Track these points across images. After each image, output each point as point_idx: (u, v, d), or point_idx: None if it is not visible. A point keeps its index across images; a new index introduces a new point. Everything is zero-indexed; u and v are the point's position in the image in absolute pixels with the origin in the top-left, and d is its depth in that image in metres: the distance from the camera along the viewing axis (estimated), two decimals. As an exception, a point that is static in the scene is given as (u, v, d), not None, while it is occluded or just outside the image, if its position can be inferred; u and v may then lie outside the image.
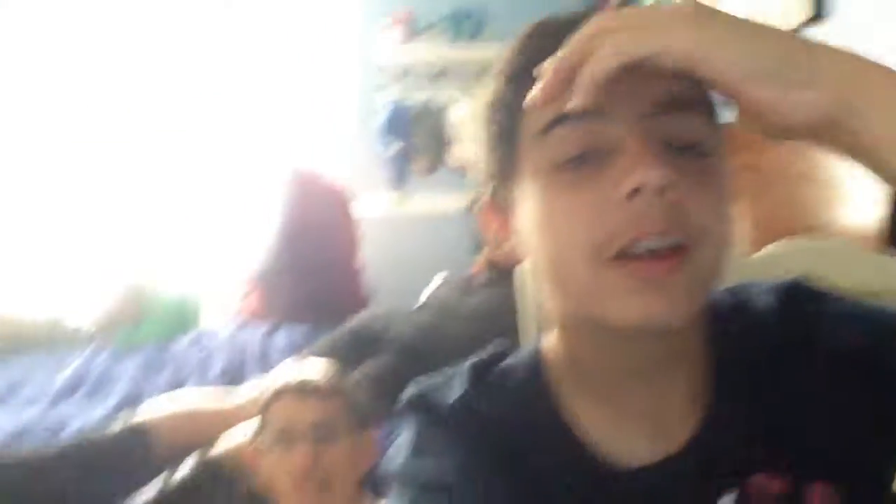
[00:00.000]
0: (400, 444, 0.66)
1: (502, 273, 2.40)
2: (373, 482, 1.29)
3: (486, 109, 0.62)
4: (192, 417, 1.63)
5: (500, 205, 0.63)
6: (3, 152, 3.01)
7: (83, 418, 1.68)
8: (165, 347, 2.24)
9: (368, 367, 1.79)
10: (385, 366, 1.80)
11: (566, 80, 0.50)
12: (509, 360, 0.69)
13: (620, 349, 0.59)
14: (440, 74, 3.38)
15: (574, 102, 0.49)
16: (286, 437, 1.23)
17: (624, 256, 0.53)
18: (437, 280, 2.66)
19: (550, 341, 0.66)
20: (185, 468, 1.42)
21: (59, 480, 1.41)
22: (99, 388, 1.88)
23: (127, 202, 2.96)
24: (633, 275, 0.53)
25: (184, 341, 2.27)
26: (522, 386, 0.66)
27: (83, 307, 2.62)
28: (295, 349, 2.23)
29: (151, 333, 2.33)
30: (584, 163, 0.54)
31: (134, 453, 1.50)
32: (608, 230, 0.53)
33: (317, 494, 1.19)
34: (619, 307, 0.54)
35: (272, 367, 2.08)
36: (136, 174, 3.04)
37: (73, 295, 2.61)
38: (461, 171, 3.35)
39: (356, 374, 1.73)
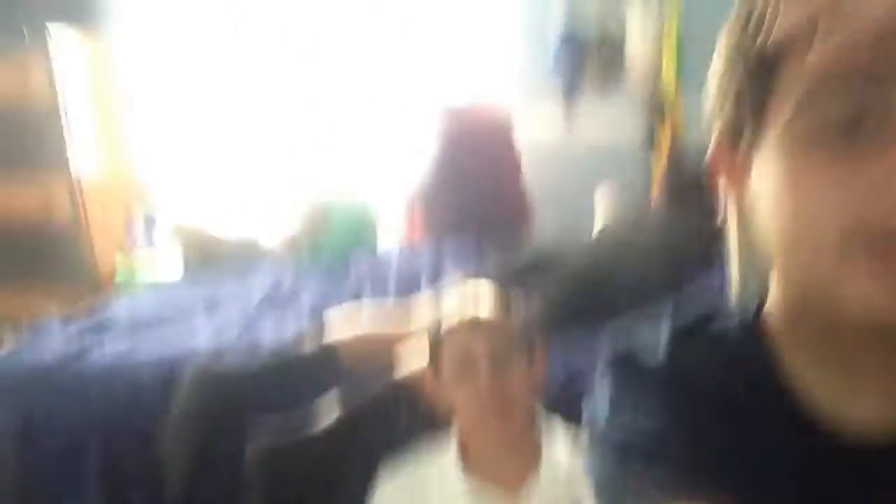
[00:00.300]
0: (599, 403, 0.65)
1: (686, 198, 2.31)
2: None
3: (734, 48, 0.54)
4: (374, 339, 1.70)
5: (733, 153, 0.56)
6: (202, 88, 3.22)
7: (276, 335, 1.80)
8: (345, 267, 2.35)
9: (539, 295, 1.79)
10: (556, 294, 1.79)
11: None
12: (720, 319, 0.65)
13: (856, 331, 0.54)
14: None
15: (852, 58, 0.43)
16: (464, 369, 1.25)
17: (882, 245, 0.47)
18: (604, 190, 2.60)
19: (771, 302, 0.61)
20: (372, 387, 1.49)
21: (260, 396, 1.53)
22: (288, 305, 2.01)
23: (310, 127, 3.11)
24: (891, 268, 0.47)
25: (361, 262, 2.38)
26: (738, 346, 0.62)
27: (274, 227, 2.82)
28: (464, 265, 2.27)
29: (335, 248, 2.47)
30: (851, 132, 0.47)
31: (325, 372, 1.59)
32: (875, 214, 0.46)
33: (499, 421, 1.22)
34: (866, 300, 0.48)
35: (442, 279, 2.17)
36: (317, 100, 3.16)
37: (265, 216, 2.81)
38: (634, 98, 3.20)
39: (527, 302, 1.74)
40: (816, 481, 0.55)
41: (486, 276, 1.91)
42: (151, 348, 1.74)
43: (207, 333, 1.81)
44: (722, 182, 0.59)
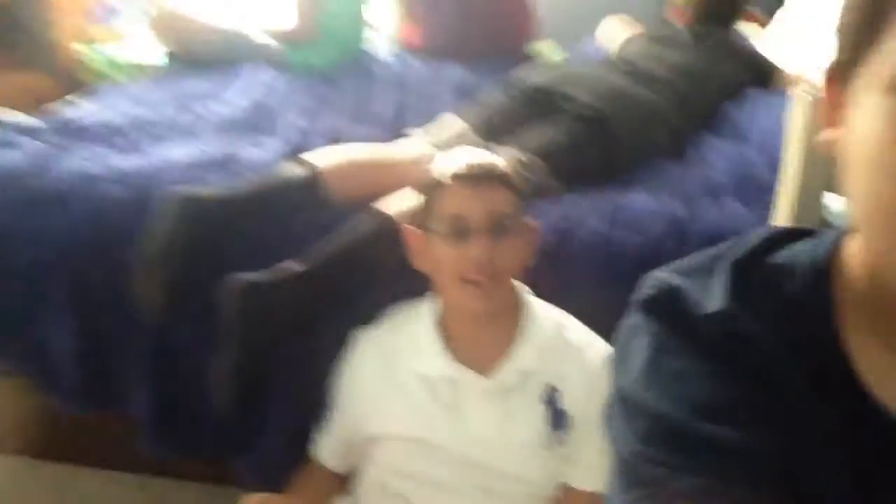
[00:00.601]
0: (631, 351, 0.58)
1: (718, 29, 2.12)
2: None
3: None
4: (364, 167, 1.60)
5: (839, 91, 0.50)
6: None
7: (259, 153, 1.68)
8: (337, 75, 2.18)
9: (543, 136, 1.66)
10: (562, 135, 1.67)
11: None
12: (784, 256, 0.57)
13: None
14: None
15: None
16: (459, 227, 1.17)
17: None
18: (608, 23, 2.38)
19: (843, 253, 0.54)
20: (361, 224, 1.41)
21: (240, 224, 1.45)
22: (273, 118, 1.87)
23: None
24: None
25: (353, 68, 2.20)
26: (798, 304, 0.54)
27: (267, 22, 2.58)
28: (461, 90, 2.12)
29: (325, 55, 2.26)
30: None
31: (309, 200, 1.51)
32: None
33: (485, 288, 1.16)
34: None
35: (435, 103, 2.03)
36: None
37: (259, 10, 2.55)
38: None
39: (530, 144, 1.63)
40: (868, 461, 0.51)
41: (485, 107, 1.78)
42: (123, 158, 1.62)
43: (184, 146, 1.68)
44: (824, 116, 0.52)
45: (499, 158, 1.25)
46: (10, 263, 1.51)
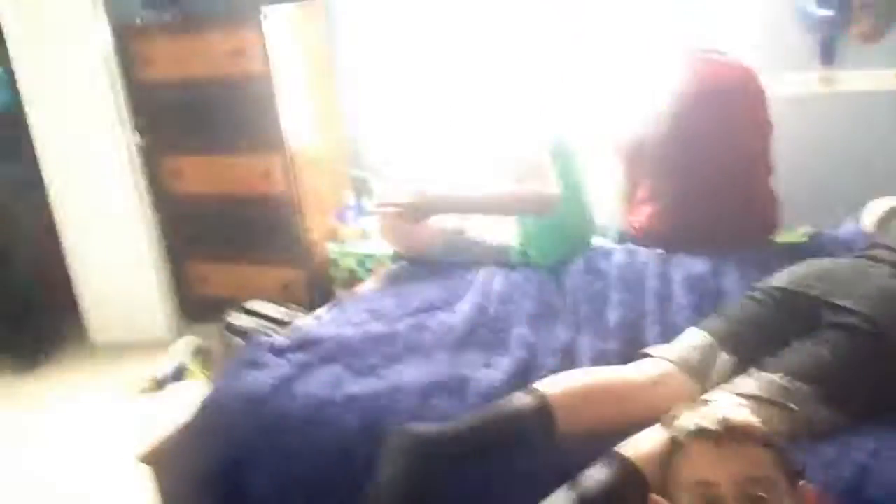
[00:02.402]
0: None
1: None
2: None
3: None
4: (598, 395, 1.49)
5: None
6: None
7: (484, 374, 1.64)
8: (564, 274, 2.12)
9: (807, 355, 1.45)
10: (831, 353, 1.44)
11: None
12: None
13: None
14: None
15: None
16: (706, 497, 1.01)
17: None
18: (876, 206, 2.10)
19: None
20: (601, 470, 1.28)
21: (465, 460, 1.39)
22: (503, 329, 1.83)
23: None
24: None
25: (578, 267, 2.13)
26: None
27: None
28: (700, 288, 1.96)
29: (551, 252, 2.22)
30: None
31: (541, 432, 1.42)
32: None
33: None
34: None
35: (672, 307, 1.88)
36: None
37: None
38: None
39: (792, 365, 1.42)
40: None
41: (729, 321, 1.60)
42: (357, 382, 1.65)
43: (416, 366, 1.69)
44: None
45: (747, 412, 1.09)
46: (250, 488, 1.56)
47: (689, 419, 1.07)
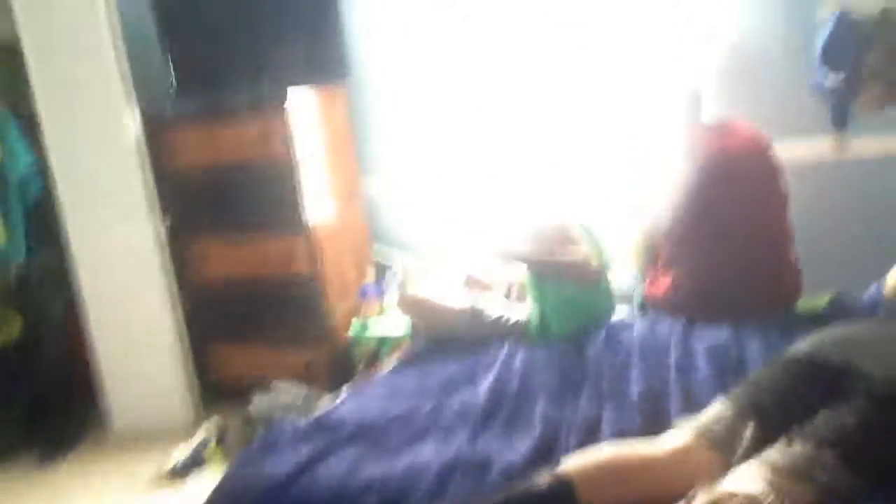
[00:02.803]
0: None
1: None
2: None
3: None
4: (618, 469, 1.46)
5: None
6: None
7: (506, 452, 1.62)
8: (584, 345, 2.11)
9: (832, 424, 1.42)
10: (856, 421, 1.41)
11: None
12: None
13: None
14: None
15: None
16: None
17: None
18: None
19: None
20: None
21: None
22: (524, 406, 1.82)
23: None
24: None
25: (598, 339, 2.12)
26: None
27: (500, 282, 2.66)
28: (722, 358, 1.94)
29: (568, 324, 2.22)
30: None
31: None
32: None
33: None
34: None
35: (695, 378, 1.86)
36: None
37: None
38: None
39: (818, 434, 1.39)
40: None
41: (754, 393, 1.57)
42: (377, 464, 1.63)
43: (436, 446, 1.68)
44: None
45: (760, 485, 1.06)
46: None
47: (703, 497, 1.05)
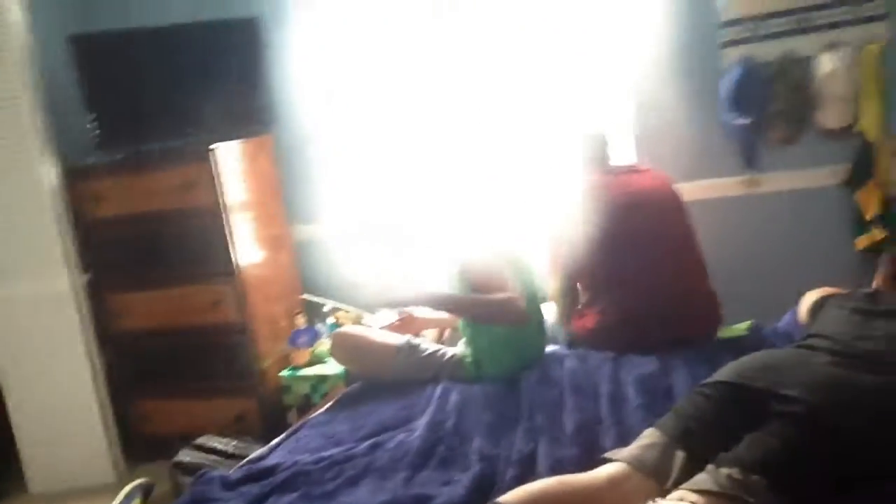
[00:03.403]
0: None
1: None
2: None
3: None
4: (555, 500, 1.47)
5: None
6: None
7: (444, 491, 1.61)
8: (515, 382, 2.13)
9: (757, 447, 1.46)
10: (784, 444, 1.46)
11: None
12: None
13: None
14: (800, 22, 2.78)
15: None
16: None
17: None
18: (809, 297, 2.19)
19: None
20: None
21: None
22: (461, 444, 1.81)
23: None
24: None
25: (532, 375, 2.14)
26: None
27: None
28: (648, 385, 1.99)
29: (505, 365, 2.24)
30: None
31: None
32: None
33: None
34: None
35: (626, 408, 1.89)
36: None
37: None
38: (827, 138, 2.79)
39: (744, 458, 1.43)
40: None
41: (682, 417, 1.62)
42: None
43: (375, 489, 1.65)
44: None
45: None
46: None
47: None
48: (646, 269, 2.35)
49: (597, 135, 2.60)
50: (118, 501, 2.66)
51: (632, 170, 2.56)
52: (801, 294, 2.25)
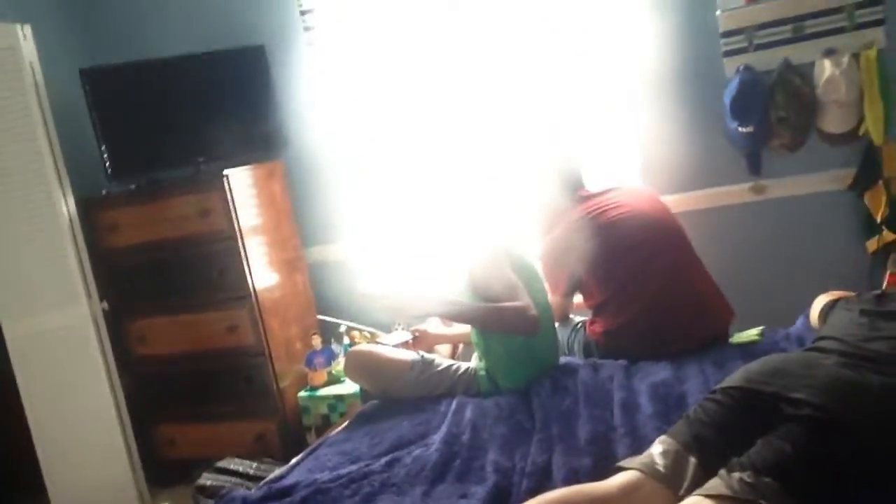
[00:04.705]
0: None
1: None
2: None
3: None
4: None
5: None
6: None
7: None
8: (529, 394, 2.16)
9: (768, 451, 1.48)
10: (796, 448, 1.47)
11: None
12: None
13: None
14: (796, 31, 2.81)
15: None
16: None
17: None
18: (819, 301, 2.20)
19: None
20: None
21: None
22: (476, 458, 1.84)
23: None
24: None
25: (545, 386, 2.17)
26: None
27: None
28: (661, 393, 2.01)
29: (517, 377, 2.26)
30: None
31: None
32: None
33: None
34: None
35: (639, 416, 1.91)
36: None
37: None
38: (831, 143, 2.81)
39: (756, 462, 1.45)
40: None
41: (693, 426, 1.63)
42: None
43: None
44: None
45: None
46: None
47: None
48: (656, 274, 2.39)
49: (572, 156, 2.66)
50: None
51: (612, 188, 2.61)
52: (811, 299, 2.26)
